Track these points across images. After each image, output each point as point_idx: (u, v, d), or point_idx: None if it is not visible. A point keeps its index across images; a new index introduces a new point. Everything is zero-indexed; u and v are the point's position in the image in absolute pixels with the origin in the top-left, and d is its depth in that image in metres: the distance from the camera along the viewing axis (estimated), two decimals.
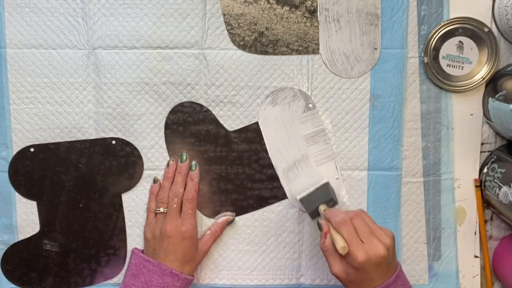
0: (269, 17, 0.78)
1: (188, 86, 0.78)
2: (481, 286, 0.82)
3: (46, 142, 0.78)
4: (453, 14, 0.78)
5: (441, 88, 0.79)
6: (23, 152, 0.78)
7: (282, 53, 0.78)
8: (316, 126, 0.79)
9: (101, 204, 0.79)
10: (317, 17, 0.78)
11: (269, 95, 0.78)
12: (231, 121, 0.79)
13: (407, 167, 0.80)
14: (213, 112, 0.79)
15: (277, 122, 0.79)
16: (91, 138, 0.78)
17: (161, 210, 0.76)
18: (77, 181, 0.78)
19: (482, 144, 0.80)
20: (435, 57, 0.78)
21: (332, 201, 0.75)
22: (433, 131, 0.80)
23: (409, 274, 0.76)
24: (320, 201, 0.75)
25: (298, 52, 0.78)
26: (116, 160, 0.78)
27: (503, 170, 0.75)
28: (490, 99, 0.77)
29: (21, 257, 0.79)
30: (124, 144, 0.78)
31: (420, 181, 0.80)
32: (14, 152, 0.78)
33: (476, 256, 0.81)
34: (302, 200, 0.77)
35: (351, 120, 0.79)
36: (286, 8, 0.77)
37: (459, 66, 0.78)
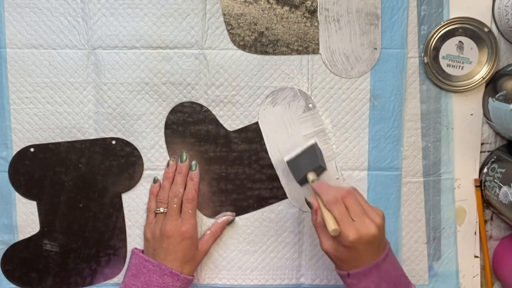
0: (269, 17, 0.78)
1: (188, 86, 0.78)
2: (481, 286, 0.82)
3: (46, 142, 0.78)
4: (453, 14, 0.78)
5: (441, 88, 0.79)
6: (23, 152, 0.78)
7: (282, 53, 0.78)
8: (316, 126, 0.79)
9: (101, 204, 0.79)
10: (317, 17, 0.77)
11: (269, 95, 0.78)
12: (231, 121, 0.79)
13: (407, 167, 0.80)
14: (213, 112, 0.78)
15: (277, 122, 0.79)
16: (91, 138, 0.78)
17: (161, 210, 0.76)
18: (77, 181, 0.78)
19: (482, 144, 0.80)
20: (435, 57, 0.78)
21: (320, 168, 0.75)
22: (433, 131, 0.80)
23: (409, 274, 0.76)
24: (308, 168, 0.74)
25: (298, 52, 0.78)
26: (116, 160, 0.78)
27: (503, 170, 0.75)
28: (490, 99, 0.77)
29: (21, 257, 0.79)
30: (124, 144, 0.78)
31: (420, 181, 0.80)
32: (14, 152, 0.78)
33: (476, 256, 0.81)
34: (289, 163, 0.77)
35: (351, 120, 0.79)
36: (286, 8, 0.77)
37: (459, 66, 0.78)
